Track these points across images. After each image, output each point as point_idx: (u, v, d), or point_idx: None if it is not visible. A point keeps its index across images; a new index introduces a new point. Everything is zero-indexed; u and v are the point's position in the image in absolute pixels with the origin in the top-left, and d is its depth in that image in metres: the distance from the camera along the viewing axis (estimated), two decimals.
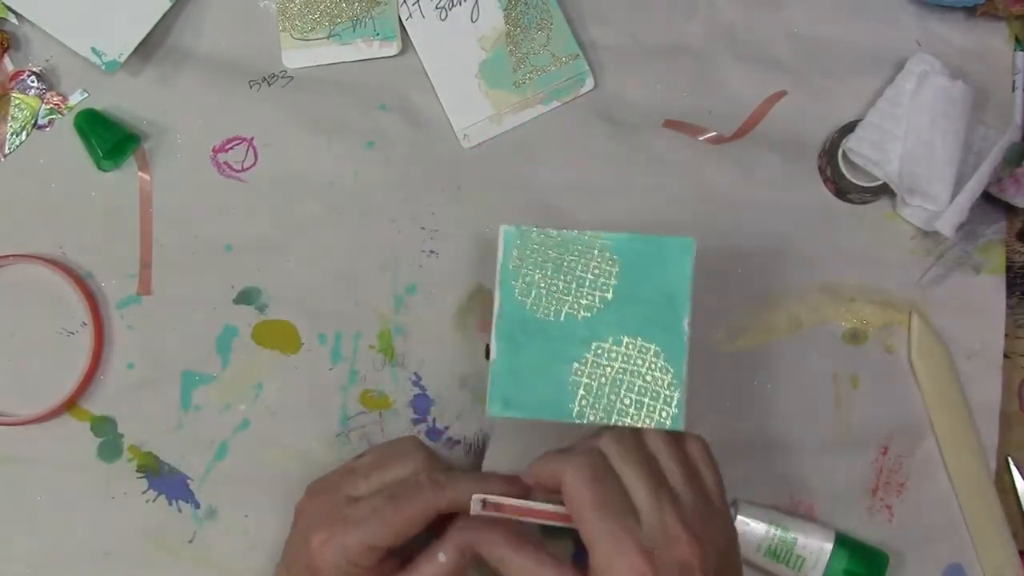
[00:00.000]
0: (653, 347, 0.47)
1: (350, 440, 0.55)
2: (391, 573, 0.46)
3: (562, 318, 0.47)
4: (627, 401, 0.46)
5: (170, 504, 0.54)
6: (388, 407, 0.56)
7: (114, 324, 0.55)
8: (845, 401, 0.57)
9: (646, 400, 0.46)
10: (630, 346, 0.47)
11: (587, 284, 0.47)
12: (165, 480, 0.54)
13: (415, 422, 0.56)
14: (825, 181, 0.58)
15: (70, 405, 0.54)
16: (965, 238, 0.58)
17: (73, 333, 0.55)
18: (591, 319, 0.47)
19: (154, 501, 0.54)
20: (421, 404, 0.56)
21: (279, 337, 0.56)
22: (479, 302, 0.56)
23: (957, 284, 0.58)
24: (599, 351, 0.47)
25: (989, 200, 0.57)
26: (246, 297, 0.56)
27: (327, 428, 0.55)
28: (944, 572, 0.57)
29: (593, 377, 0.47)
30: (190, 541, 0.54)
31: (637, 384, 0.46)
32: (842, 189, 0.57)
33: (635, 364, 0.47)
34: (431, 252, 0.57)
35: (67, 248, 0.55)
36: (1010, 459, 0.58)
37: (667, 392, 0.47)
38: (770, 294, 0.57)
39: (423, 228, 0.57)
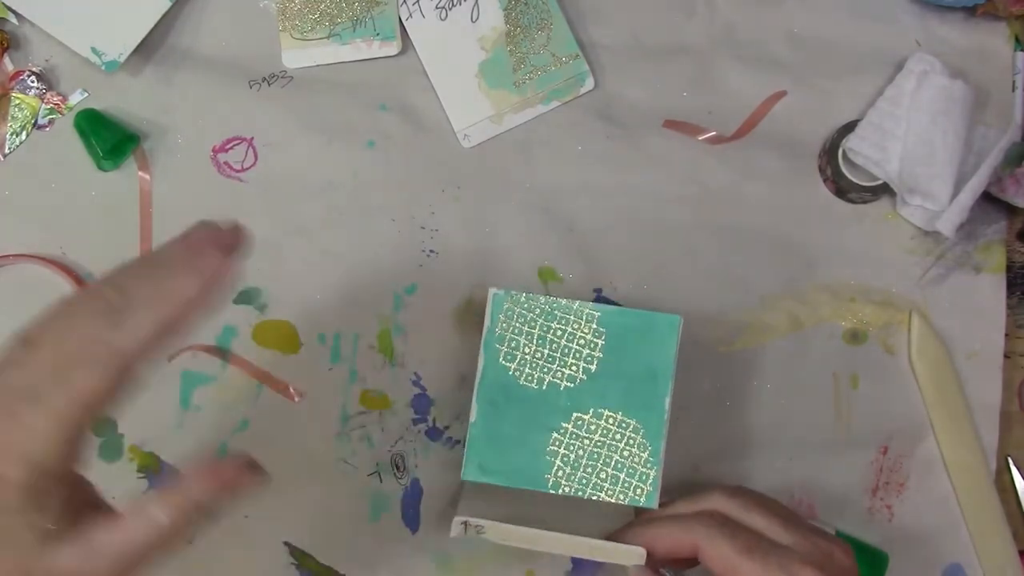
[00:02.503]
0: (633, 423, 0.47)
1: (350, 440, 0.55)
2: (83, 509, 0.37)
3: (544, 387, 0.47)
4: (603, 475, 0.47)
5: None
6: (388, 407, 0.56)
7: None
8: (845, 401, 0.57)
9: (622, 476, 0.47)
10: (610, 420, 0.47)
11: (572, 354, 0.47)
12: (166, 480, 0.54)
13: (415, 422, 0.56)
14: (825, 181, 0.58)
15: None
16: (965, 238, 0.58)
17: None
18: (573, 390, 0.47)
19: None
20: (421, 404, 0.56)
21: (279, 337, 0.56)
22: (479, 302, 0.56)
23: (957, 284, 0.58)
24: (579, 423, 0.47)
25: (989, 200, 0.57)
26: (246, 297, 0.56)
27: (327, 428, 0.55)
28: (944, 572, 0.57)
29: (571, 449, 0.47)
30: (190, 542, 0.54)
31: (614, 459, 0.47)
32: (842, 189, 0.57)
33: (613, 438, 0.47)
34: (431, 252, 0.57)
35: (67, 248, 0.55)
36: (1010, 459, 0.58)
37: (643, 469, 0.47)
38: (770, 294, 0.57)
39: (423, 228, 0.57)
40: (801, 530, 0.44)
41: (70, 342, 0.35)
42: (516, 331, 0.48)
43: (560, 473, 0.47)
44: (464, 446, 0.47)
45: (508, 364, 0.48)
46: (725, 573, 0.43)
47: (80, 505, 0.37)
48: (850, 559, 0.44)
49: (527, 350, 0.48)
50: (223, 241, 0.38)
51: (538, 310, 0.48)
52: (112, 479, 0.54)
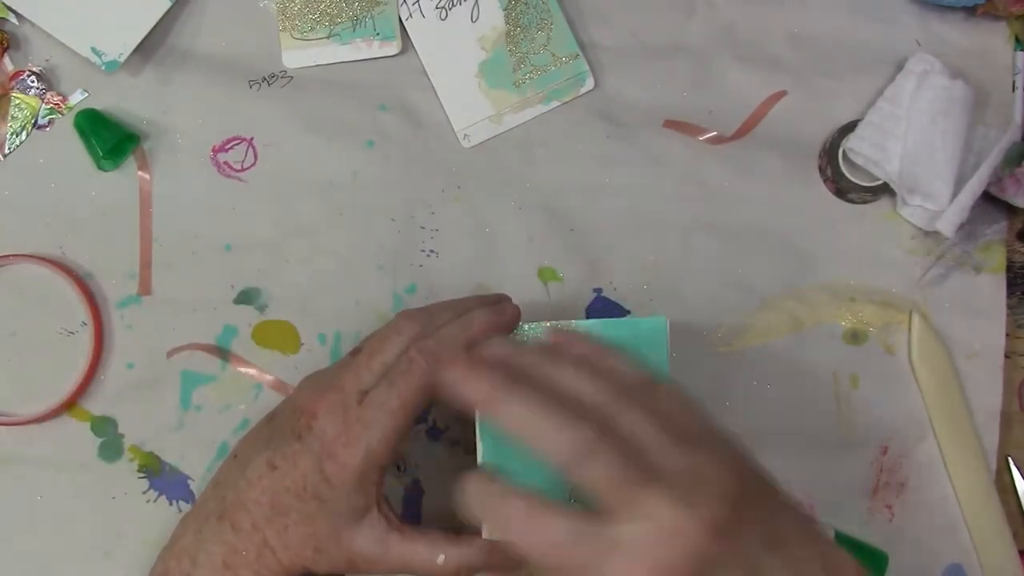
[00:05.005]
0: None
1: None
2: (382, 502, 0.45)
3: None
4: None
5: (171, 504, 0.54)
6: None
7: (114, 324, 0.55)
8: (845, 401, 0.57)
9: None
10: None
11: None
12: (166, 480, 0.54)
13: (415, 422, 0.55)
14: (825, 181, 0.58)
15: (70, 405, 0.54)
16: (965, 238, 0.58)
17: (73, 333, 0.55)
18: None
19: (155, 501, 0.54)
20: None
21: (279, 337, 0.56)
22: None
23: (957, 284, 0.58)
24: None
25: (989, 200, 0.57)
26: (246, 297, 0.56)
27: None
28: (944, 572, 0.57)
29: None
30: None
31: None
32: (842, 189, 0.57)
33: None
34: (431, 252, 0.57)
35: (67, 248, 0.55)
36: (1010, 459, 0.58)
37: None
38: (770, 294, 0.57)
39: (423, 228, 0.57)
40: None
41: (391, 354, 0.45)
42: None
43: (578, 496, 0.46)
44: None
45: None
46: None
47: (383, 497, 0.46)
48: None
49: None
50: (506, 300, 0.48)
51: (524, 339, 0.47)
52: (112, 479, 0.54)
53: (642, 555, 0.35)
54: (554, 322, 0.47)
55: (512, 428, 0.38)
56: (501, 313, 0.46)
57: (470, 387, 0.40)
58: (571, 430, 0.37)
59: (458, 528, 0.47)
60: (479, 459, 0.47)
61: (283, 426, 0.46)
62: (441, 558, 0.45)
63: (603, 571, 0.36)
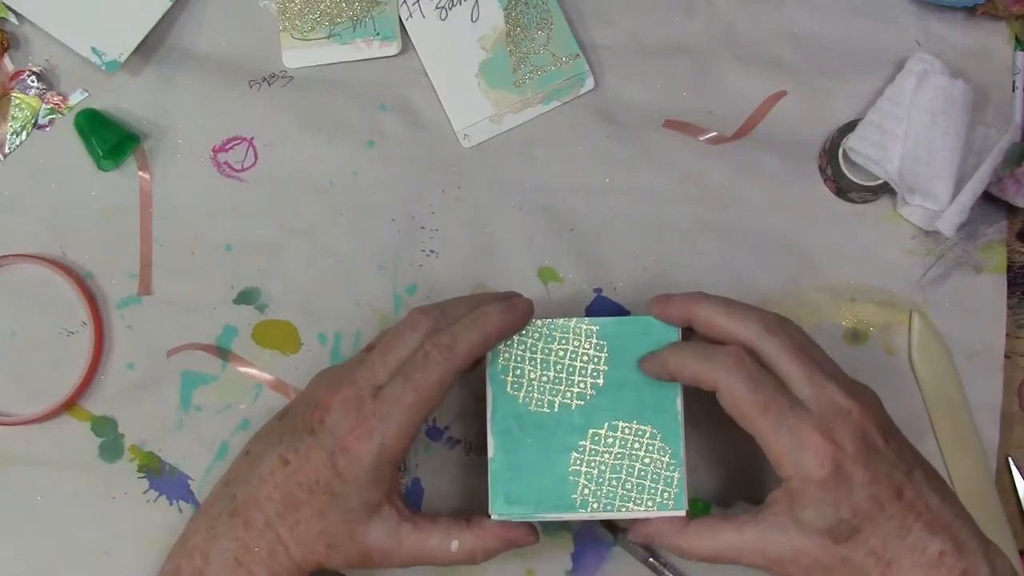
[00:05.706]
0: (649, 429, 0.47)
1: None
2: (394, 496, 0.46)
3: (556, 409, 0.47)
4: (628, 486, 0.47)
5: (171, 504, 0.54)
6: None
7: (114, 324, 0.55)
8: None
9: (647, 483, 0.47)
10: (625, 430, 0.47)
11: (577, 372, 0.47)
12: (166, 480, 0.54)
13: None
14: (825, 181, 0.58)
15: (70, 405, 0.54)
16: (966, 238, 0.58)
17: (73, 333, 0.55)
18: (585, 407, 0.47)
19: (155, 501, 0.54)
20: None
21: (279, 337, 0.56)
22: None
23: (958, 284, 0.58)
24: (595, 438, 0.47)
25: (990, 200, 0.57)
26: (246, 297, 0.56)
27: None
28: None
29: (592, 465, 0.47)
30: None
31: (636, 467, 0.47)
32: (843, 188, 0.57)
33: (632, 448, 0.47)
34: (431, 252, 0.57)
35: (67, 248, 0.55)
36: (1010, 459, 0.58)
37: (667, 473, 0.47)
38: (770, 294, 0.57)
39: (423, 228, 0.57)
40: (825, 383, 0.43)
41: (406, 349, 0.45)
42: (518, 359, 0.48)
43: (586, 491, 0.47)
44: (488, 481, 0.47)
45: (516, 393, 0.47)
46: (737, 419, 0.44)
47: (395, 490, 0.46)
48: (871, 414, 0.43)
49: (532, 376, 0.47)
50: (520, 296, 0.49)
51: (536, 334, 0.48)
52: (112, 479, 0.54)
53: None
54: (568, 318, 0.48)
55: (709, 316, 0.46)
56: (514, 308, 0.47)
57: (674, 301, 0.47)
58: (759, 311, 0.45)
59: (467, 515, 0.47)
60: (489, 454, 0.47)
61: (296, 421, 0.46)
62: (455, 544, 0.45)
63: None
